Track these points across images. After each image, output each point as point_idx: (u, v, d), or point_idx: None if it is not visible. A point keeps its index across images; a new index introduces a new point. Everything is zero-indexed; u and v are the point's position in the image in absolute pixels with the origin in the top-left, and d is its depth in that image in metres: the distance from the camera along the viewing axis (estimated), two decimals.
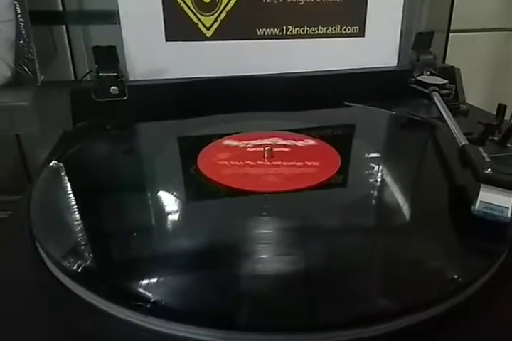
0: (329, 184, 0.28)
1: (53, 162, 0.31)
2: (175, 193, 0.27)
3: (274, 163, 0.30)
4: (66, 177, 0.29)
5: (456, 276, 0.21)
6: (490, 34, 0.54)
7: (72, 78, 0.44)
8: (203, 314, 0.18)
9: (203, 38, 0.43)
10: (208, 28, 0.43)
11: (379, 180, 0.29)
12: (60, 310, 0.20)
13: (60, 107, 0.39)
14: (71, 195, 0.27)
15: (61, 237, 0.23)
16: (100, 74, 0.39)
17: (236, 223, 0.25)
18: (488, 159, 0.25)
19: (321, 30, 0.45)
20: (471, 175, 0.25)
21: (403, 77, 0.44)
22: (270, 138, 0.33)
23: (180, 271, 0.21)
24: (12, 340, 0.19)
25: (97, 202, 0.27)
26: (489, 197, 0.23)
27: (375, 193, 0.28)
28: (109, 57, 0.39)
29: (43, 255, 0.23)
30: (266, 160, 0.30)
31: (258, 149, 0.31)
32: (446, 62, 0.50)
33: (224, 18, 0.42)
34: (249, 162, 0.30)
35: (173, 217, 0.26)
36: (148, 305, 0.18)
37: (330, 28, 0.45)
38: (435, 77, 0.43)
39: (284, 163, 0.30)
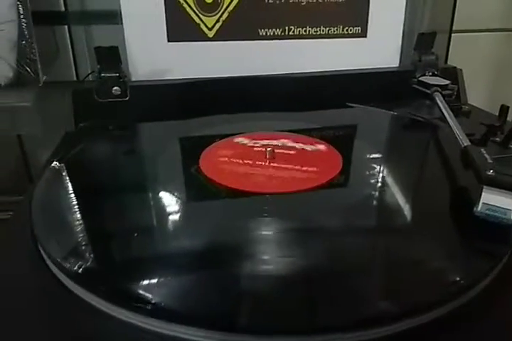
0: (331, 185, 0.28)
1: (55, 162, 0.31)
2: (176, 194, 0.27)
3: (275, 164, 0.30)
4: (68, 178, 0.29)
5: (458, 278, 0.21)
6: (492, 34, 0.53)
7: (74, 78, 0.44)
8: (202, 316, 0.18)
9: (205, 38, 0.42)
10: (210, 29, 0.43)
11: (382, 181, 0.29)
12: (62, 312, 0.20)
13: (62, 108, 0.39)
14: (73, 196, 0.27)
15: (63, 238, 0.23)
16: (102, 74, 0.39)
17: (235, 224, 0.25)
18: (490, 160, 0.25)
19: (323, 30, 0.45)
20: (473, 176, 0.25)
21: (405, 77, 0.44)
22: (280, 140, 0.33)
23: (181, 273, 0.21)
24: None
25: (98, 202, 0.27)
26: (492, 199, 0.23)
27: (378, 195, 0.28)
28: (111, 57, 0.39)
29: (45, 256, 0.23)
30: (268, 161, 0.30)
31: (262, 149, 0.31)
32: (448, 62, 0.49)
33: (226, 19, 0.42)
34: (251, 162, 0.30)
35: (174, 217, 0.26)
36: (149, 307, 0.18)
37: (332, 28, 0.45)
38: (437, 77, 0.43)
39: (283, 166, 0.29)
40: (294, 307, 0.19)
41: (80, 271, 0.20)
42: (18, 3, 0.37)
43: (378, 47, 0.46)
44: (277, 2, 0.43)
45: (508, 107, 0.35)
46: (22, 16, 0.37)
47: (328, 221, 0.25)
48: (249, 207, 0.27)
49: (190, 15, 0.42)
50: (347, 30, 0.45)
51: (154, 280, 0.20)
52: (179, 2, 0.41)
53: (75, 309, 0.20)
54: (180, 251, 0.23)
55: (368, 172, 0.30)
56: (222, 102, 0.40)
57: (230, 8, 0.42)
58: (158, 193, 0.28)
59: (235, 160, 0.30)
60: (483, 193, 0.23)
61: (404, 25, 0.46)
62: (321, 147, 0.32)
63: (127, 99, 0.39)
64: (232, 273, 0.21)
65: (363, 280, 0.21)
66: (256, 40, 0.43)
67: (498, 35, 0.54)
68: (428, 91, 0.40)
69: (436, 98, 0.38)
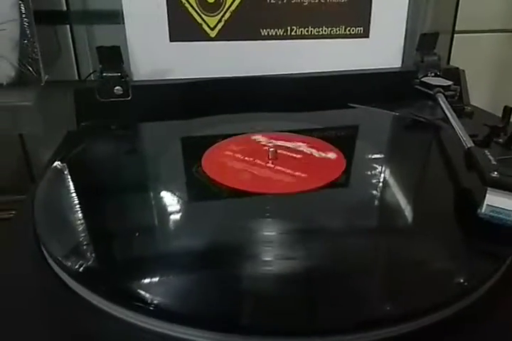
0: (334, 186, 0.28)
1: (57, 162, 0.31)
2: (178, 194, 0.27)
3: (271, 165, 0.30)
4: (70, 178, 0.29)
5: (462, 280, 0.20)
6: (495, 35, 0.53)
7: (76, 78, 0.44)
8: (202, 316, 0.18)
9: (207, 38, 0.42)
10: (212, 29, 0.42)
11: (385, 182, 0.29)
12: (63, 311, 0.20)
13: (63, 107, 0.39)
14: (75, 195, 0.27)
15: (65, 237, 0.23)
16: (104, 74, 0.38)
17: (235, 224, 0.25)
18: (494, 162, 0.25)
19: (325, 30, 0.45)
20: (476, 177, 0.25)
21: (407, 78, 0.44)
22: (296, 143, 0.33)
23: (182, 273, 0.21)
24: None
25: (100, 202, 0.27)
26: (496, 201, 0.22)
27: (381, 196, 0.28)
28: (113, 57, 0.38)
29: (47, 255, 0.23)
30: (270, 161, 0.30)
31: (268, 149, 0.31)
32: (450, 63, 0.49)
33: (228, 19, 0.42)
34: (251, 159, 0.30)
35: (175, 217, 0.26)
36: (150, 307, 0.18)
37: (334, 28, 0.45)
38: (440, 78, 0.43)
39: (277, 168, 0.29)
40: (295, 308, 0.19)
41: (82, 270, 0.20)
42: (20, 2, 0.37)
43: (380, 47, 0.46)
44: (279, 2, 0.43)
45: (511, 108, 0.35)
46: (24, 16, 0.37)
47: (331, 223, 0.25)
48: (251, 207, 0.27)
49: (192, 15, 0.42)
50: (349, 30, 0.45)
51: (156, 280, 0.20)
52: (181, 2, 0.41)
53: (76, 308, 0.20)
54: (182, 251, 0.23)
55: (371, 175, 0.30)
56: (224, 102, 0.40)
57: (232, 8, 0.42)
58: (159, 193, 0.28)
59: (238, 156, 0.31)
60: (487, 195, 0.23)
61: (406, 25, 0.46)
62: (331, 155, 0.31)
63: (129, 98, 0.39)
64: (232, 274, 0.21)
65: (366, 281, 0.21)
66: (258, 40, 0.43)
67: (501, 36, 0.53)
68: (430, 92, 0.40)
69: (439, 99, 0.38)
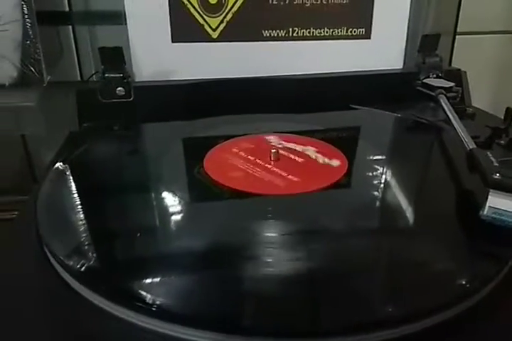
0: (336, 187, 0.28)
1: (60, 162, 0.31)
2: (179, 195, 0.27)
3: (268, 165, 0.30)
4: (72, 178, 0.29)
5: (464, 282, 0.20)
6: (497, 36, 0.53)
7: (79, 79, 0.44)
8: (204, 317, 0.18)
9: (209, 39, 0.43)
10: (214, 30, 0.43)
11: (387, 184, 0.29)
12: (66, 311, 0.20)
13: (66, 108, 0.39)
14: (77, 196, 0.27)
15: (68, 238, 0.23)
16: (106, 75, 0.39)
17: (236, 225, 0.25)
18: (496, 164, 0.25)
19: (327, 32, 0.45)
20: (478, 179, 0.25)
21: (409, 79, 0.44)
22: (306, 146, 0.33)
23: (184, 273, 0.21)
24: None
25: (103, 202, 0.27)
26: (498, 203, 0.22)
27: (383, 198, 0.28)
28: (116, 57, 0.39)
29: (49, 255, 0.23)
30: (271, 161, 0.30)
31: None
32: (452, 64, 0.49)
33: (230, 20, 0.42)
34: (252, 158, 0.31)
35: (177, 218, 0.26)
36: (151, 307, 0.19)
37: (336, 30, 0.45)
38: (441, 79, 0.43)
39: (273, 169, 0.30)
40: (296, 310, 0.19)
41: (84, 270, 0.21)
42: (23, 3, 0.37)
43: (382, 48, 0.46)
44: (281, 3, 0.43)
45: None
46: (26, 16, 0.37)
47: (333, 224, 0.25)
48: (252, 208, 0.27)
49: (194, 16, 0.42)
50: (351, 31, 0.45)
51: (158, 281, 0.20)
52: (183, 3, 0.41)
53: (78, 308, 0.20)
54: (183, 251, 0.23)
55: (373, 176, 0.30)
56: (226, 103, 0.40)
57: (234, 9, 0.42)
58: (161, 194, 0.28)
59: (242, 154, 0.31)
60: (489, 197, 0.23)
61: (408, 26, 0.46)
62: (334, 162, 0.31)
63: (131, 99, 0.39)
64: (234, 275, 0.21)
65: (367, 283, 0.21)
66: (260, 41, 0.43)
67: (503, 37, 0.53)
68: (432, 94, 0.40)
69: (441, 100, 0.38)
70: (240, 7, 0.42)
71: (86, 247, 0.22)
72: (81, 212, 0.25)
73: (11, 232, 0.26)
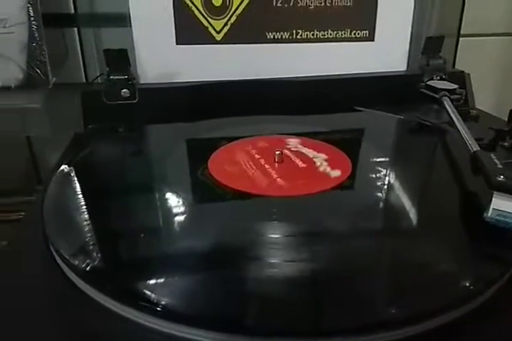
0: (338, 188, 0.28)
1: (65, 164, 0.31)
2: (184, 196, 0.27)
3: (267, 166, 0.30)
4: (78, 179, 0.29)
5: (468, 284, 0.21)
6: (500, 39, 0.53)
7: (84, 80, 0.44)
8: (209, 317, 0.19)
9: (213, 41, 0.43)
10: (218, 32, 0.43)
11: (390, 186, 0.29)
12: (72, 311, 0.21)
13: (71, 109, 0.39)
14: (83, 197, 0.27)
15: (74, 238, 0.23)
16: (111, 76, 0.39)
17: (239, 226, 0.25)
18: (500, 166, 0.25)
19: (330, 34, 0.45)
20: (482, 181, 0.25)
21: (413, 81, 0.44)
22: (319, 153, 0.32)
23: (190, 274, 0.21)
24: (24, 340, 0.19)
25: (108, 203, 0.27)
26: (502, 205, 0.22)
27: (386, 200, 0.28)
28: (120, 60, 0.39)
29: (56, 255, 0.23)
30: (274, 163, 0.30)
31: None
32: (456, 66, 0.49)
33: (234, 22, 0.43)
34: (258, 156, 0.31)
35: (181, 219, 0.26)
36: (157, 307, 0.19)
37: (340, 32, 0.45)
38: (445, 81, 0.43)
39: (270, 171, 0.30)
40: (298, 310, 0.19)
41: (90, 270, 0.21)
42: (29, 5, 0.37)
43: (386, 51, 0.46)
44: (285, 6, 0.43)
45: None
46: (32, 18, 0.38)
47: (335, 225, 0.25)
48: (254, 209, 0.27)
49: (198, 18, 0.42)
50: (354, 33, 0.45)
51: (163, 281, 0.20)
52: (188, 5, 0.41)
53: (85, 308, 0.20)
54: (189, 252, 0.23)
55: (376, 178, 0.30)
56: (230, 105, 0.40)
57: (238, 11, 0.43)
58: (166, 195, 0.28)
59: (252, 152, 0.32)
60: (493, 199, 0.23)
61: (412, 29, 0.46)
62: (334, 173, 0.30)
63: (136, 101, 0.39)
64: (239, 276, 0.21)
65: (372, 284, 0.21)
66: (264, 43, 0.44)
67: (506, 40, 0.53)
68: (436, 96, 0.40)
69: (445, 102, 0.38)
70: (244, 9, 0.43)
71: (92, 247, 0.22)
72: (87, 213, 0.25)
73: (17, 232, 0.26)
